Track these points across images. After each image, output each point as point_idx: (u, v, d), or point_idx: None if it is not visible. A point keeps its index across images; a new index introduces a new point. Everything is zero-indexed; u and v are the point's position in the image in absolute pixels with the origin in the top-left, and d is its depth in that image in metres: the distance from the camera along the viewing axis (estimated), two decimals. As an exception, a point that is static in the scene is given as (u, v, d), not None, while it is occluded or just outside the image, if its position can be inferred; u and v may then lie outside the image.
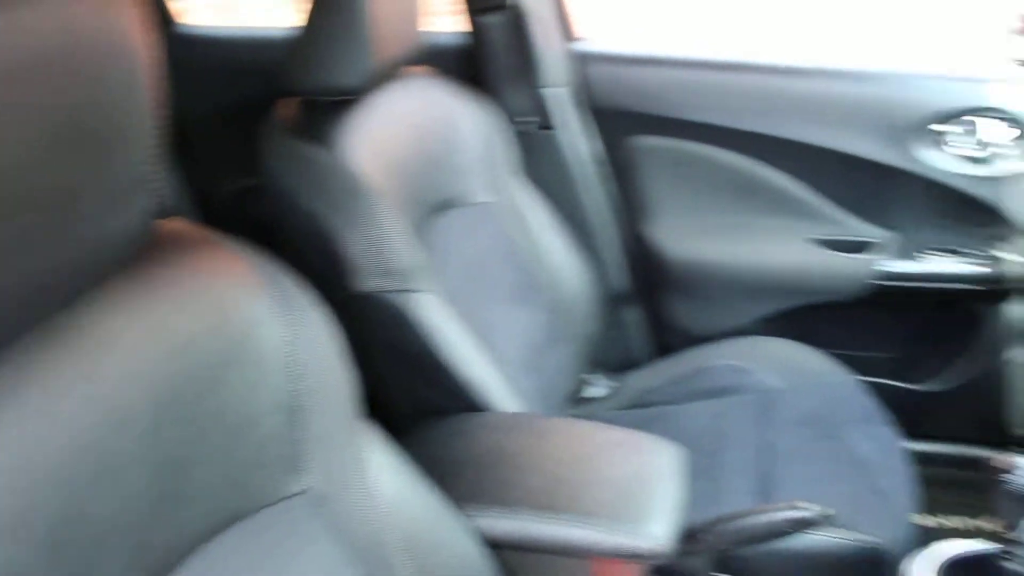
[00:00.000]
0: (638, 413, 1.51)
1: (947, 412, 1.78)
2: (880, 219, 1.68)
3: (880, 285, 1.66)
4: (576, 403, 1.62)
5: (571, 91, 1.72)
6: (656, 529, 0.97)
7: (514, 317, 1.41)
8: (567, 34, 1.78)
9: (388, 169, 1.22)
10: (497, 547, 0.97)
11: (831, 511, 1.11)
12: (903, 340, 1.79)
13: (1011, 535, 1.01)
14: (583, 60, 1.74)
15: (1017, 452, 0.99)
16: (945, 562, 1.10)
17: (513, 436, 1.12)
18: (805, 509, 1.11)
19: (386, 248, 1.13)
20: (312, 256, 1.14)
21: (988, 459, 1.00)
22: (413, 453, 0.88)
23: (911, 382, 1.79)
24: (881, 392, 1.53)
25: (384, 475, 0.81)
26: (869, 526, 1.19)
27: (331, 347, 0.76)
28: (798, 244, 1.71)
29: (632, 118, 1.73)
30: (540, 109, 1.68)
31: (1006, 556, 1.03)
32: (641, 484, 1.04)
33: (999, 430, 1.69)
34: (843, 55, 1.70)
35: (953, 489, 1.71)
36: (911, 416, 1.61)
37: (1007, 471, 0.97)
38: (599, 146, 1.76)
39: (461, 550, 0.91)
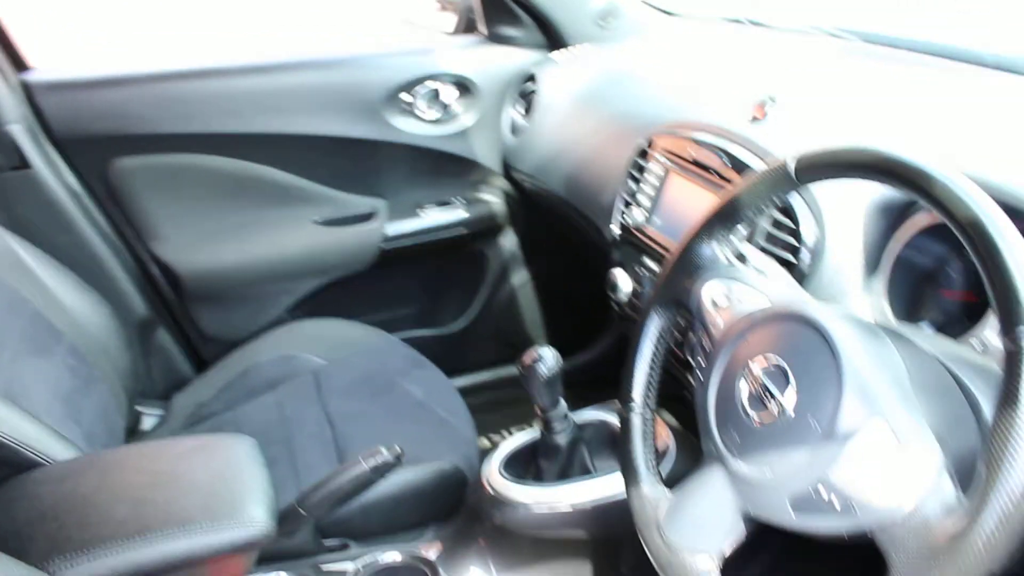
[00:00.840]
0: (200, 428, 1.47)
1: (477, 344, 2.02)
2: (376, 189, 1.82)
3: (391, 248, 1.81)
4: (134, 438, 1.52)
5: (34, 124, 1.57)
6: (253, 514, 0.98)
7: (35, 369, 1.27)
8: (17, 65, 1.61)
9: None
10: None
11: (399, 449, 1.21)
12: (426, 291, 1.98)
13: (547, 415, 1.20)
14: (40, 90, 1.59)
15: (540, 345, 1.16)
16: (505, 456, 1.27)
17: (81, 480, 1.02)
18: (379, 454, 1.20)
19: None
20: None
21: (520, 358, 1.17)
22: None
23: (440, 327, 1.99)
24: (419, 343, 1.69)
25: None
26: (443, 454, 1.32)
27: None
28: (307, 229, 1.77)
29: (106, 142, 1.62)
30: (6, 149, 1.51)
31: (546, 432, 1.22)
32: (226, 480, 1.03)
33: (522, 344, 1.99)
34: (301, 46, 1.79)
35: (502, 408, 1.97)
36: (449, 356, 1.80)
37: (534, 362, 1.15)
38: (82, 175, 1.64)
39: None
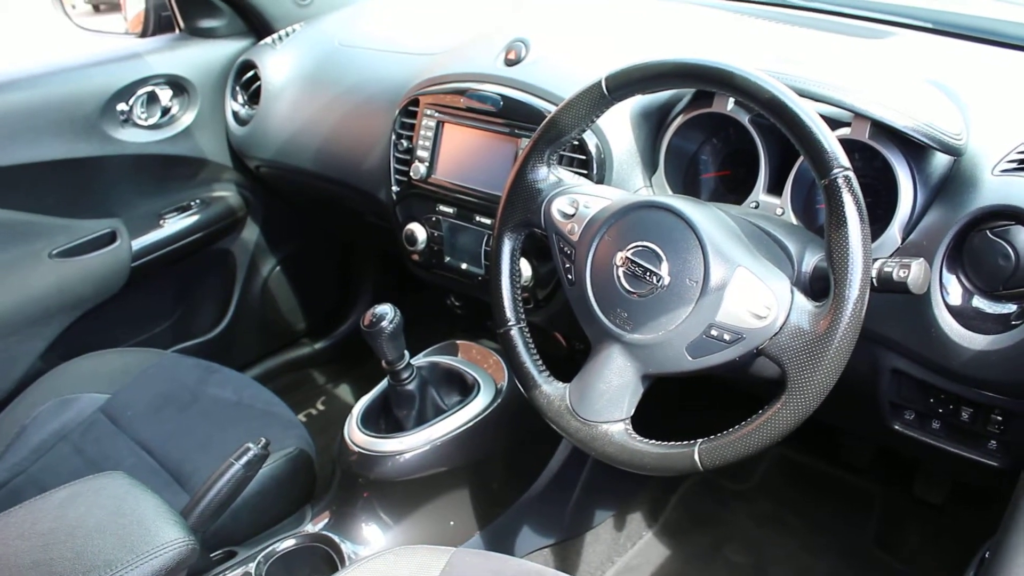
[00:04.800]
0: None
1: (250, 335, 2.00)
2: (112, 208, 1.71)
3: (141, 264, 1.72)
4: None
5: None
6: (171, 535, 0.97)
7: None
8: None
9: None
10: None
11: (264, 439, 1.22)
12: (184, 299, 1.91)
13: (394, 367, 1.28)
14: None
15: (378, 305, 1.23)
16: (360, 415, 1.33)
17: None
18: (248, 449, 1.20)
19: None
20: None
21: (362, 319, 1.23)
22: None
23: (209, 330, 1.94)
24: (193, 351, 1.65)
25: None
26: (282, 441, 1.33)
27: None
28: (45, 264, 1.63)
29: None
30: None
31: (395, 384, 1.30)
32: (126, 514, 0.99)
33: (291, 324, 2.02)
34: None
35: (302, 385, 2.01)
36: (230, 354, 1.77)
37: (377, 319, 1.21)
38: None
39: None
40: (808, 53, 1.23)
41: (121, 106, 1.65)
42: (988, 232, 0.91)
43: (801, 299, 0.84)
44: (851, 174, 0.80)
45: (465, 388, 1.38)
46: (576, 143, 1.17)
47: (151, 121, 1.71)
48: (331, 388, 2.12)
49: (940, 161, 0.99)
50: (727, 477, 1.75)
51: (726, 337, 0.85)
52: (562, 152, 1.14)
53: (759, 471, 1.76)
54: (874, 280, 0.86)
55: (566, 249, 0.99)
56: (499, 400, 1.34)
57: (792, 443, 1.77)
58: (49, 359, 1.66)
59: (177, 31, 1.79)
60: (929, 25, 1.33)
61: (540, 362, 1.03)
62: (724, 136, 1.20)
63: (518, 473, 1.48)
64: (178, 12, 1.76)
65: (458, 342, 1.48)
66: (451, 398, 1.37)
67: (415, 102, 1.39)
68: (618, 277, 0.92)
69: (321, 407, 2.01)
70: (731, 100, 1.10)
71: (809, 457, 1.76)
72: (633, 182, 1.18)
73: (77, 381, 1.50)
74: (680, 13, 1.46)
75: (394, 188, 1.44)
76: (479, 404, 1.33)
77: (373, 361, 1.30)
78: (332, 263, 2.19)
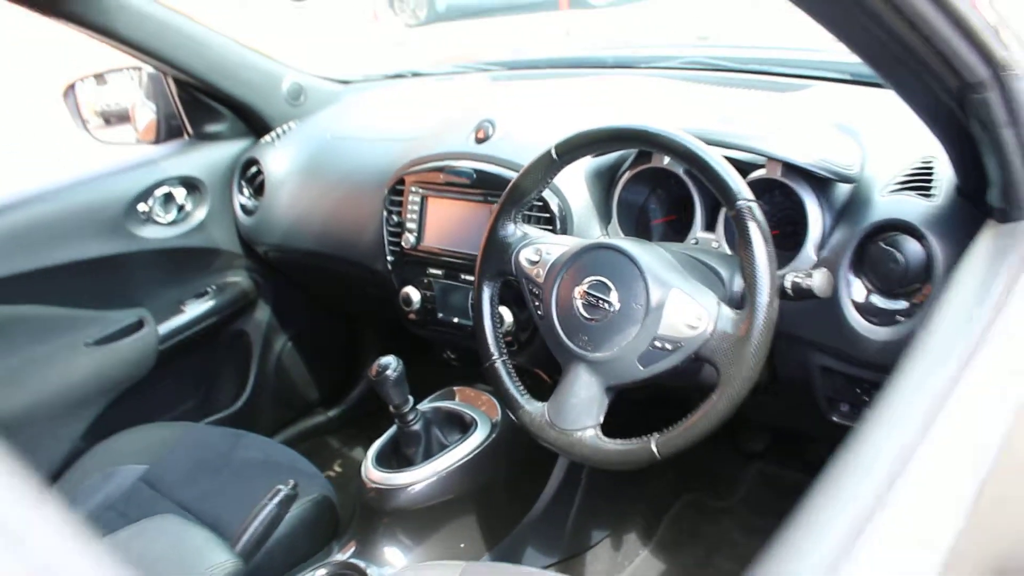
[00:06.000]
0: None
1: (269, 406, 2.18)
2: (137, 299, 1.90)
3: (167, 347, 1.91)
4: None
5: None
6: (218, 558, 1.13)
7: None
8: None
9: None
10: None
11: (292, 481, 1.38)
12: (205, 378, 2.09)
13: (400, 410, 1.45)
14: None
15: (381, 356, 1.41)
16: (374, 457, 1.50)
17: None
18: (280, 490, 1.36)
19: None
20: None
21: (370, 370, 1.41)
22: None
23: (230, 404, 2.11)
24: (217, 424, 1.81)
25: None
26: (309, 490, 1.50)
27: None
28: (82, 353, 1.81)
29: None
30: None
31: (402, 425, 1.47)
32: (176, 547, 1.16)
33: (303, 396, 2.19)
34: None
35: (320, 451, 2.17)
36: (254, 424, 1.94)
37: (383, 369, 1.39)
38: None
39: None
40: (737, 110, 1.44)
41: (142, 206, 1.86)
42: (881, 243, 1.10)
43: (726, 310, 1.02)
44: (754, 204, 0.99)
45: (464, 426, 1.55)
46: (541, 203, 1.37)
47: (169, 218, 1.92)
48: (347, 451, 2.29)
49: (841, 189, 1.19)
50: (713, 496, 1.90)
51: (668, 346, 1.04)
52: (528, 212, 1.34)
53: (741, 489, 1.91)
54: (789, 290, 1.05)
55: (534, 290, 1.17)
56: (495, 433, 1.51)
57: (768, 457, 1.93)
58: (90, 438, 1.83)
59: (186, 136, 2.01)
60: (840, 76, 1.54)
61: (522, 387, 1.21)
62: (667, 186, 1.40)
63: (518, 497, 1.64)
64: (186, 120, 1.98)
65: (455, 388, 1.66)
66: (452, 436, 1.54)
67: (401, 181, 1.60)
68: (578, 308, 1.11)
69: (339, 468, 2.18)
70: (667, 158, 1.30)
71: (785, 469, 1.91)
72: (592, 232, 1.37)
73: (117, 456, 1.67)
74: (627, 85, 1.68)
75: (388, 258, 1.64)
76: (477, 438, 1.50)
77: (384, 420, 1.48)
78: (339, 335, 2.38)
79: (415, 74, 2.16)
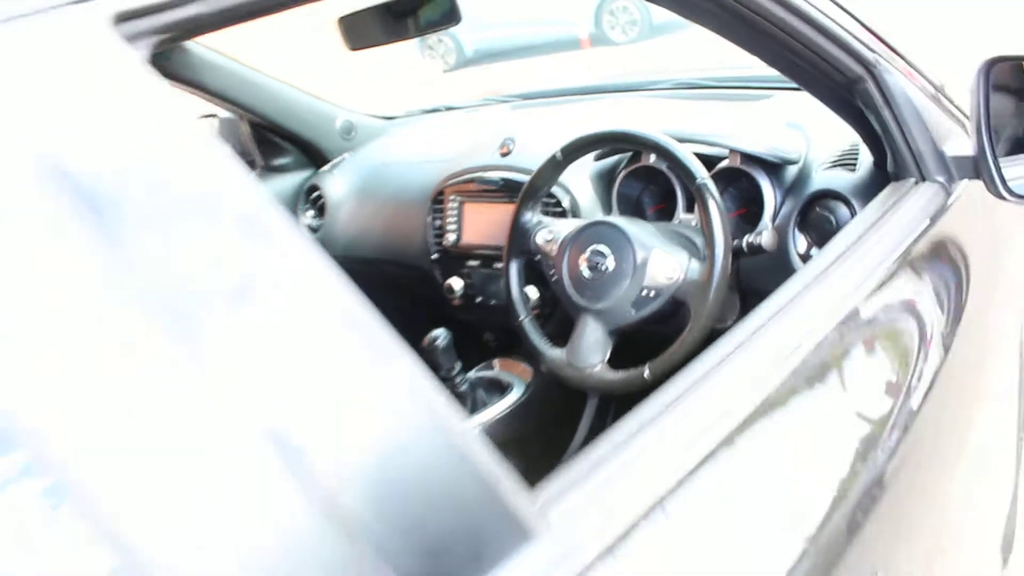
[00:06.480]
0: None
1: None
2: None
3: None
4: None
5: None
6: None
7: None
8: None
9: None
10: None
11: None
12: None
13: (449, 375, 1.77)
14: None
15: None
16: None
17: None
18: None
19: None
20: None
21: (423, 341, 1.74)
22: None
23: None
24: None
25: None
26: None
27: None
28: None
29: None
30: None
31: (451, 388, 1.80)
32: None
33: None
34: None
35: None
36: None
37: (433, 339, 1.72)
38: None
39: None
40: (707, 116, 1.77)
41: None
42: (818, 208, 1.42)
43: (695, 263, 1.35)
44: (709, 181, 1.32)
45: (502, 388, 1.87)
46: (555, 200, 1.71)
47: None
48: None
49: (790, 171, 1.51)
50: None
51: (652, 294, 1.36)
52: (544, 208, 1.67)
53: None
54: (744, 248, 1.37)
55: (549, 261, 1.51)
56: (528, 392, 1.83)
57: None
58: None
59: (258, 170, 2.39)
60: (794, 87, 1.86)
61: (545, 338, 1.54)
62: (657, 182, 1.73)
63: (550, 447, 1.95)
64: (259, 155, 2.36)
65: (494, 360, 1.98)
66: (493, 399, 1.86)
67: (442, 192, 1.95)
68: (582, 270, 1.44)
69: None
70: (652, 156, 1.63)
71: None
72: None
73: None
74: (625, 105, 2.02)
75: (433, 256, 1.98)
76: (513, 396, 1.82)
77: None
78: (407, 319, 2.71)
79: (448, 108, 2.52)
